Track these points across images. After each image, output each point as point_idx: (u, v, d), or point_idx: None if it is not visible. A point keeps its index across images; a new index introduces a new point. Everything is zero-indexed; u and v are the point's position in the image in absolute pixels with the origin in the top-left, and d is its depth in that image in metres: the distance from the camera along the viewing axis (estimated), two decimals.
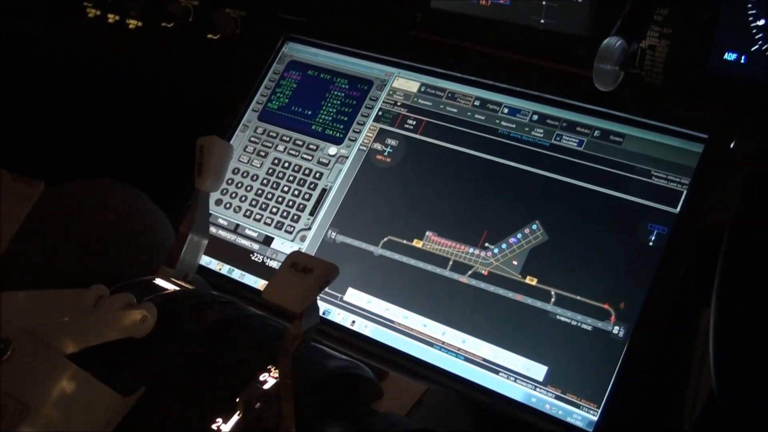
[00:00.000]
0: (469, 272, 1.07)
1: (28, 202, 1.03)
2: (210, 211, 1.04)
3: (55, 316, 0.68)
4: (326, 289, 1.09)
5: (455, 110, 1.18)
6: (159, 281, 0.91)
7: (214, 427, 0.71)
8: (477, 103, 1.18)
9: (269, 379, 0.76)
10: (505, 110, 1.16)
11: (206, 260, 1.20)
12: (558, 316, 1.01)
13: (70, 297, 0.74)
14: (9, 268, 0.96)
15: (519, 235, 1.07)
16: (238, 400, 0.73)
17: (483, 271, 1.07)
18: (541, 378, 0.99)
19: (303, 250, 1.16)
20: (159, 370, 0.75)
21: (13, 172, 1.07)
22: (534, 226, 1.07)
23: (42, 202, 1.04)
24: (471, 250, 1.08)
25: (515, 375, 1.00)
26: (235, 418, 0.72)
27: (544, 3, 1.16)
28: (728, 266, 0.78)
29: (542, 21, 1.16)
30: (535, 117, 1.13)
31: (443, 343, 1.04)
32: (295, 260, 0.71)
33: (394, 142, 1.19)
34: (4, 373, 0.61)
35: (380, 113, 1.22)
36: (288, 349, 0.71)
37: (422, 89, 1.22)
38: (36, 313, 0.68)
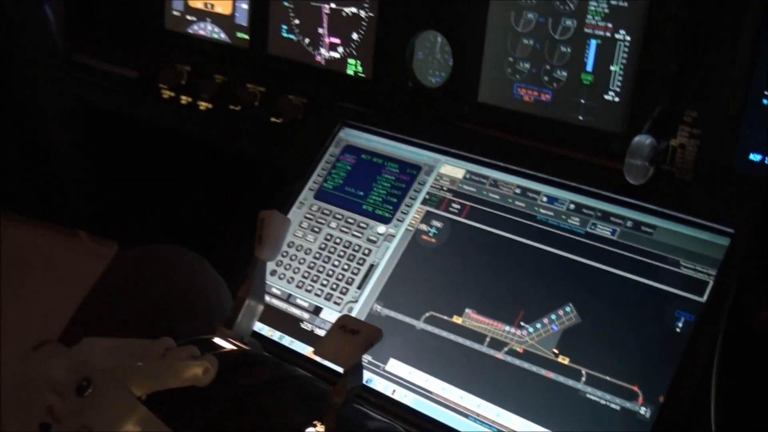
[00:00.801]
0: (505, 349, 1.13)
1: (103, 262, 1.12)
2: (266, 282, 1.12)
3: (130, 361, 0.76)
4: (370, 359, 1.16)
5: (497, 197, 1.27)
6: (217, 340, 0.98)
7: None
8: (518, 191, 1.26)
9: None
10: (544, 199, 1.24)
11: (259, 326, 1.28)
12: (588, 395, 1.07)
13: (141, 346, 0.82)
14: (85, 319, 1.05)
15: (553, 316, 1.13)
16: None
17: (518, 349, 1.13)
18: None
19: None
20: (216, 418, 0.82)
21: (90, 233, 1.16)
22: (568, 308, 1.13)
23: (115, 262, 1.13)
24: (507, 328, 1.15)
25: None
26: None
27: (582, 102, 1.25)
28: (724, 354, 0.84)
29: (581, 118, 1.25)
30: (572, 206, 1.21)
31: (478, 415, 1.10)
32: (344, 323, 0.78)
33: (439, 224, 1.27)
34: (84, 407, 0.69)
35: (427, 196, 1.31)
36: (333, 405, 0.78)
37: (467, 176, 1.31)
38: (112, 357, 0.76)
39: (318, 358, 1.22)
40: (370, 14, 1.48)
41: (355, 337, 0.76)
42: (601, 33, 1.22)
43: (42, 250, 1.15)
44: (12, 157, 1.53)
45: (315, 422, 0.82)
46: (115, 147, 1.86)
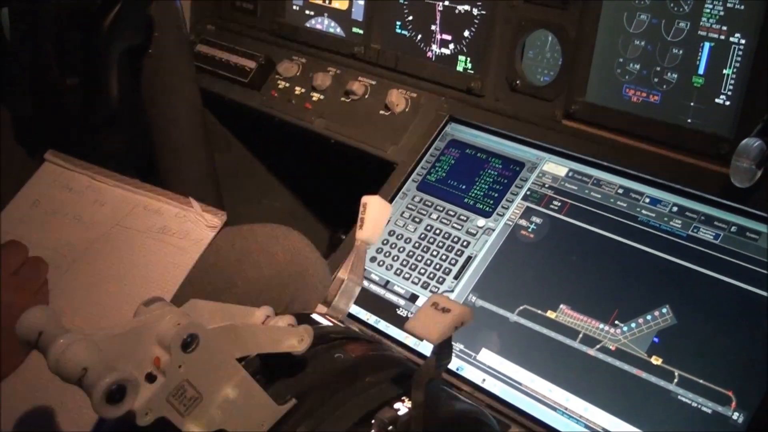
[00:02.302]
0: (598, 346, 1.13)
1: (212, 231, 1.17)
2: (365, 267, 1.15)
3: (232, 323, 0.80)
4: (462, 347, 1.18)
5: (599, 196, 1.26)
6: (315, 316, 1.02)
7: None
8: (620, 191, 1.25)
9: (402, 408, 0.84)
10: (647, 200, 1.23)
11: (356, 309, 1.32)
12: (679, 396, 1.06)
13: (243, 311, 0.86)
14: (192, 285, 1.11)
15: (649, 317, 1.12)
16: (373, 421, 0.82)
17: (611, 347, 1.13)
18: None
19: None
20: (309, 386, 0.85)
21: (201, 203, 1.22)
22: (664, 310, 1.12)
23: (225, 235, 1.18)
24: (601, 325, 1.15)
25: None
26: None
27: (692, 104, 1.23)
28: None
29: (689, 120, 1.24)
30: (675, 209, 1.20)
31: (566, 408, 1.11)
32: (436, 301, 0.80)
33: (538, 220, 1.28)
34: (187, 362, 0.74)
35: (528, 193, 1.32)
36: (422, 381, 0.80)
37: (570, 174, 1.31)
38: (216, 319, 0.80)
39: (411, 342, 1.25)
40: (483, 12, 1.50)
41: (446, 315, 0.78)
42: (715, 36, 1.21)
43: (156, 216, 1.21)
44: (136, 138, 1.62)
45: (404, 398, 0.85)
46: (231, 132, 1.94)
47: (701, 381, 1.05)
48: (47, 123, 1.47)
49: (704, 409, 1.03)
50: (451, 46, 1.56)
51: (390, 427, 0.81)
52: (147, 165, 1.59)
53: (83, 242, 1.18)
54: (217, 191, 1.59)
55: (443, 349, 0.80)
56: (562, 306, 1.18)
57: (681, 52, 1.25)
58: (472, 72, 1.53)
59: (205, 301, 0.82)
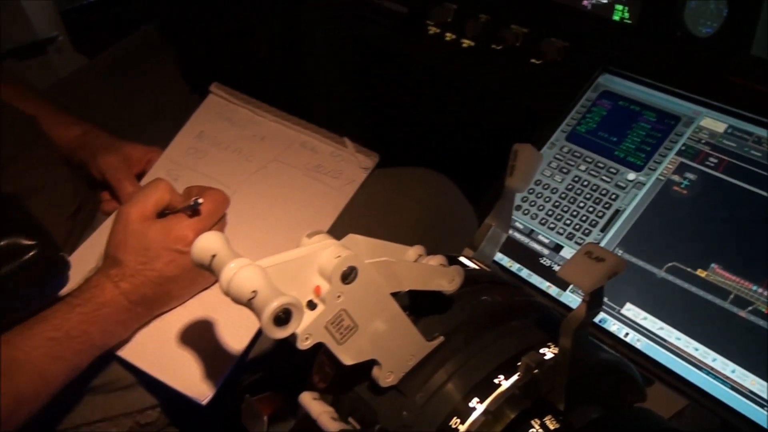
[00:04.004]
0: (749, 308, 1.10)
1: (365, 172, 1.20)
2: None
3: (388, 258, 0.83)
4: (606, 301, 1.17)
5: (759, 154, 1.21)
6: (463, 259, 1.03)
7: (495, 381, 0.82)
8: None
9: (548, 353, 0.85)
10: None
11: (499, 257, 1.33)
12: None
13: (397, 249, 0.89)
14: (345, 222, 1.15)
15: None
16: (519, 363, 0.83)
17: (764, 310, 1.09)
18: None
19: None
20: (457, 325, 0.87)
21: (356, 143, 1.24)
22: None
23: (375, 177, 1.21)
24: (755, 287, 1.11)
25: None
26: (515, 377, 0.82)
27: None
28: None
29: None
30: None
31: (712, 368, 1.09)
32: (590, 249, 0.80)
33: (692, 176, 1.25)
34: (345, 293, 0.77)
35: (683, 148, 1.28)
36: (570, 327, 0.81)
37: (729, 131, 1.26)
38: (373, 254, 0.83)
39: (553, 292, 1.25)
40: None
41: (600, 264, 0.78)
42: None
43: (312, 153, 1.25)
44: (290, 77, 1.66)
45: (549, 344, 0.86)
46: (380, 77, 1.96)
47: None
48: (212, 60, 1.53)
49: None
50: None
51: (536, 370, 0.82)
52: (301, 104, 1.63)
53: (242, 174, 1.23)
54: (365, 133, 1.62)
55: (594, 298, 0.80)
56: (713, 265, 1.15)
57: None
58: (630, 22, 1.49)
59: (363, 237, 0.85)
